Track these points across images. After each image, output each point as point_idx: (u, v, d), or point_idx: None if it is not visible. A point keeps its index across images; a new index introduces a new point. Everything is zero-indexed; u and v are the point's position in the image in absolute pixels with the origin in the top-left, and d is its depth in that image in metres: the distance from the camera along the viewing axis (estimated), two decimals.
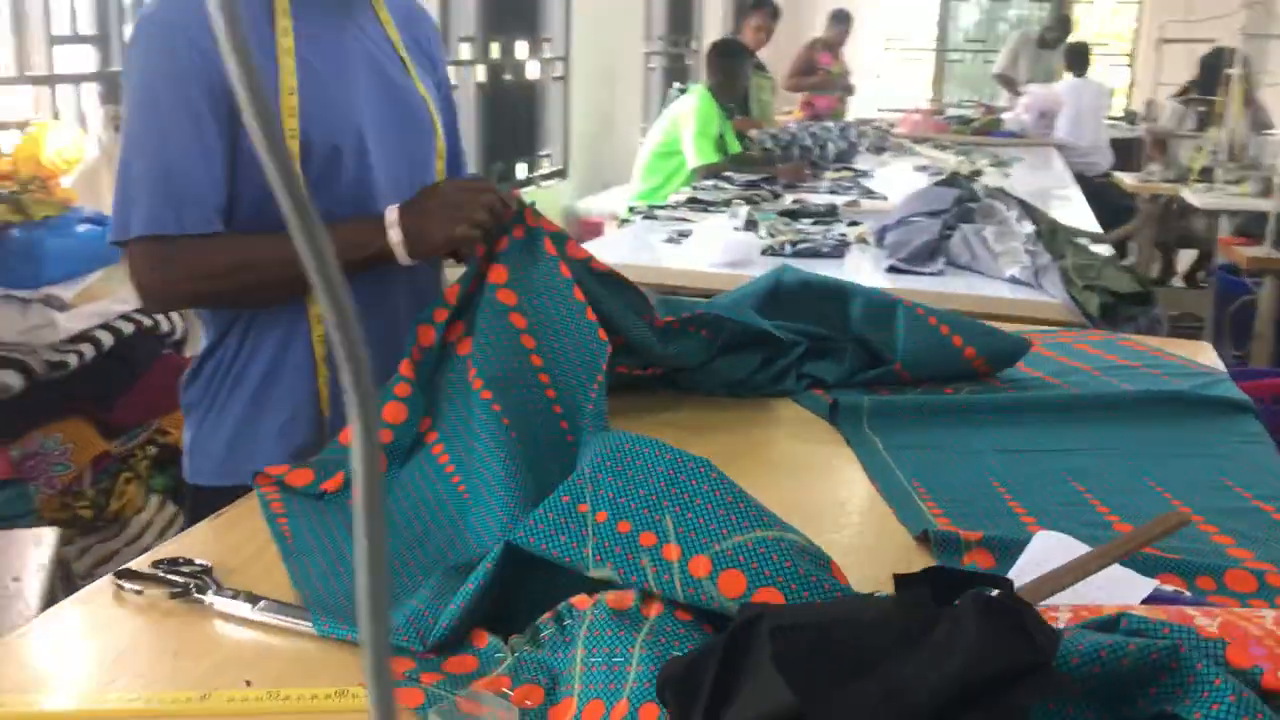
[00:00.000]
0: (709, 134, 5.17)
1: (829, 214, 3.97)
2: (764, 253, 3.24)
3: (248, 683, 0.89)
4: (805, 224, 3.78)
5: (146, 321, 2.59)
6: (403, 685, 0.88)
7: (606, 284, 1.46)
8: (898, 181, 4.92)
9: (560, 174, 7.03)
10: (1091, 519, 1.22)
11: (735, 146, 5.56)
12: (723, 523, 0.86)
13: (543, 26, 6.54)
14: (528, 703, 0.85)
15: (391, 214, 1.38)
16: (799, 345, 1.69)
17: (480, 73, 5.66)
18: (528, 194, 6.42)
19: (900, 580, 0.70)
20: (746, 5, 6.51)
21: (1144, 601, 0.96)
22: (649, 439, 0.95)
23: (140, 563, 1.04)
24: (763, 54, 6.62)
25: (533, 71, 6.46)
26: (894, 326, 1.67)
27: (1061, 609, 0.85)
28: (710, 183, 4.70)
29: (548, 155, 6.86)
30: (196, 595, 0.99)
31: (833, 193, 4.64)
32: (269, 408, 1.47)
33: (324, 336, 1.46)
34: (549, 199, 6.69)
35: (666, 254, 3.25)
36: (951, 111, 9.22)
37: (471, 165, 5.70)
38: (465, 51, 5.49)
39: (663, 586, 0.85)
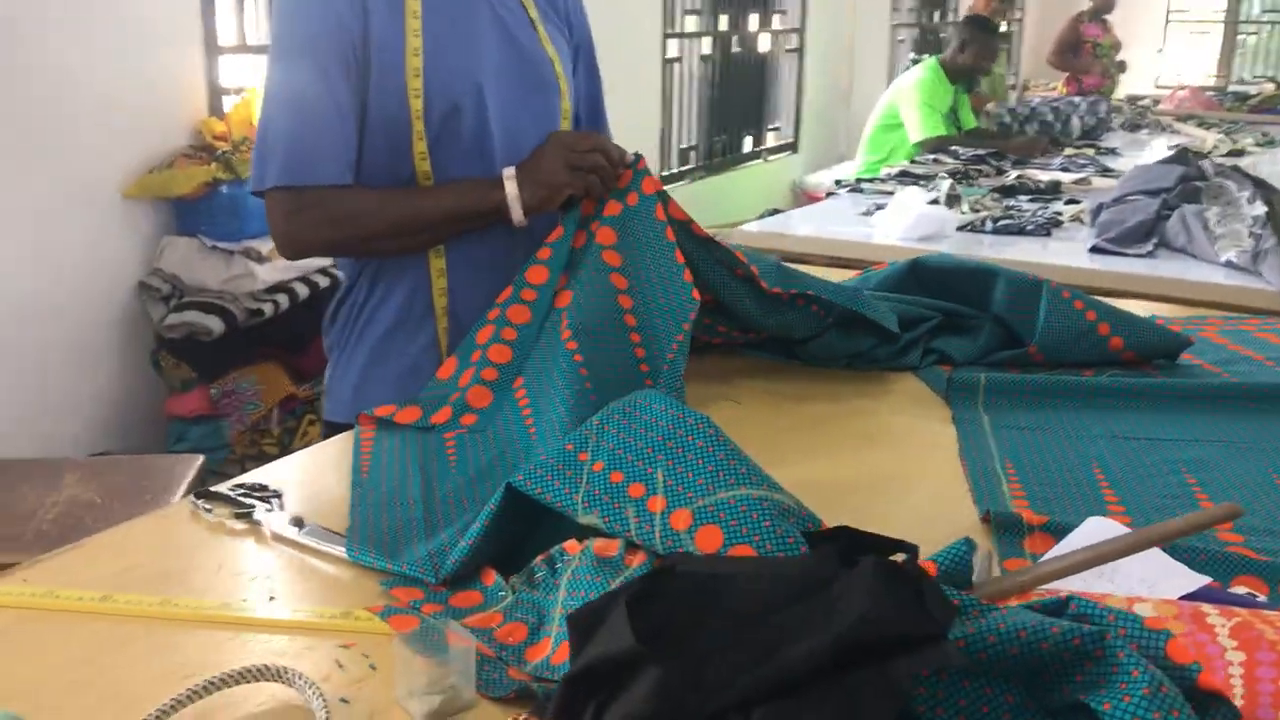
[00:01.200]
0: (935, 107, 4.99)
1: (1049, 191, 3.77)
2: (961, 228, 3.11)
3: (271, 598, 0.95)
4: (1021, 200, 3.60)
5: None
6: (403, 612, 0.91)
7: (704, 247, 1.45)
8: (1147, 160, 4.59)
9: (790, 147, 6.96)
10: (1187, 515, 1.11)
11: (970, 121, 5.34)
12: (710, 479, 0.85)
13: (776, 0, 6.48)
14: (510, 639, 0.87)
15: (508, 171, 1.43)
16: (929, 320, 1.62)
17: (706, 45, 5.67)
18: (755, 166, 6.42)
19: (810, 538, 0.67)
20: None
21: (1185, 597, 0.87)
22: (660, 395, 0.95)
23: (222, 486, 1.13)
24: (1029, 27, 6.31)
25: (764, 44, 6.41)
26: (1035, 308, 1.57)
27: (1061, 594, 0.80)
28: (931, 157, 4.55)
29: (776, 128, 6.80)
30: (255, 518, 1.06)
31: (1065, 170, 4.39)
32: (392, 354, 1.55)
33: (445, 289, 1.52)
34: (777, 171, 6.65)
35: (857, 227, 3.17)
36: (1234, 88, 8.51)
37: (693, 137, 5.76)
38: (691, 24, 5.51)
39: (644, 537, 0.84)
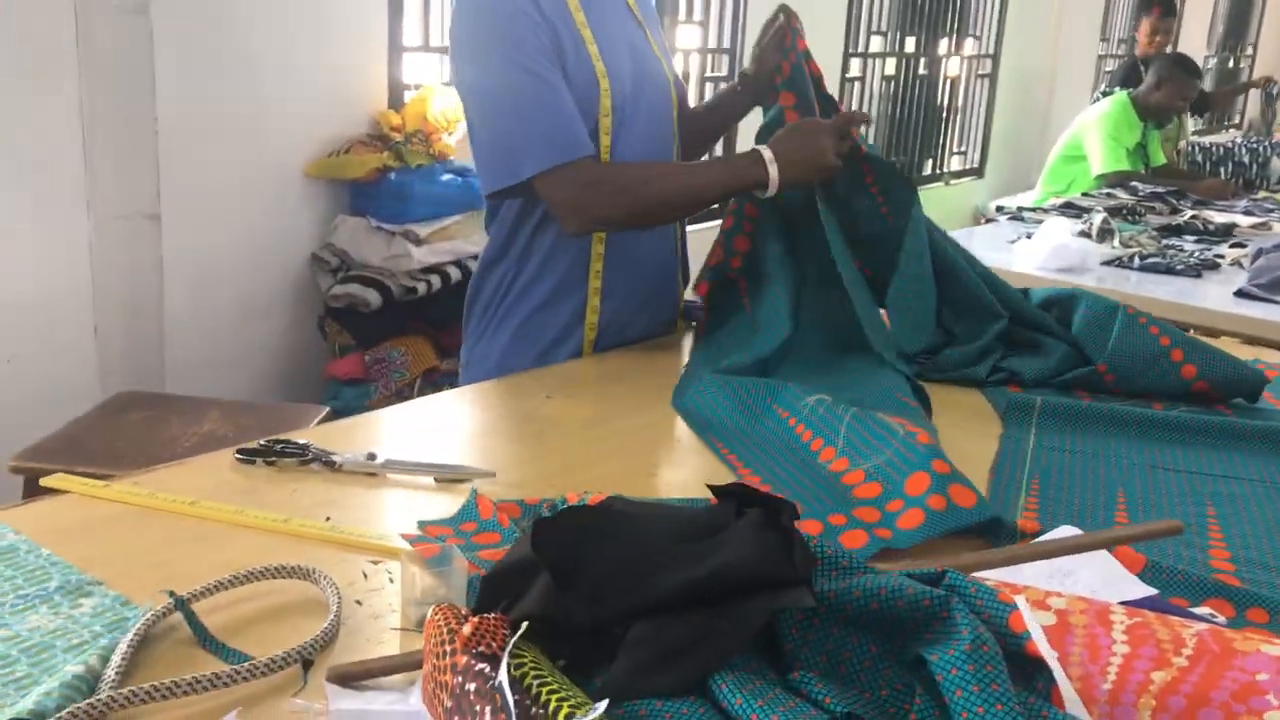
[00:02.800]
0: (1120, 141, 4.87)
1: (1219, 233, 3.65)
2: (1107, 263, 3.07)
3: (327, 518, 1.11)
4: (1186, 241, 3.51)
5: None
6: (429, 540, 1.06)
7: (827, 104, 1.76)
8: None
9: (975, 172, 6.88)
10: (1193, 542, 1.15)
11: (1159, 158, 5.18)
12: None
13: (971, 24, 6.41)
14: None
15: (767, 153, 1.57)
16: (997, 321, 1.67)
17: (890, 66, 5.69)
18: (934, 189, 6.38)
19: (715, 490, 0.77)
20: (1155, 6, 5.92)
21: (1128, 604, 0.93)
22: None
23: (259, 441, 1.28)
24: (1260, 66, 6.00)
25: (953, 68, 6.36)
26: (1110, 329, 1.61)
27: (991, 581, 0.87)
28: (1106, 191, 4.45)
29: (961, 152, 6.73)
30: (325, 461, 1.22)
31: (1247, 213, 4.22)
32: (542, 328, 1.68)
33: (600, 271, 1.67)
34: (959, 196, 6.58)
35: (999, 254, 3.17)
36: None
37: None
38: (875, 44, 5.54)
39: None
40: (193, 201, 2.69)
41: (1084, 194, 4.40)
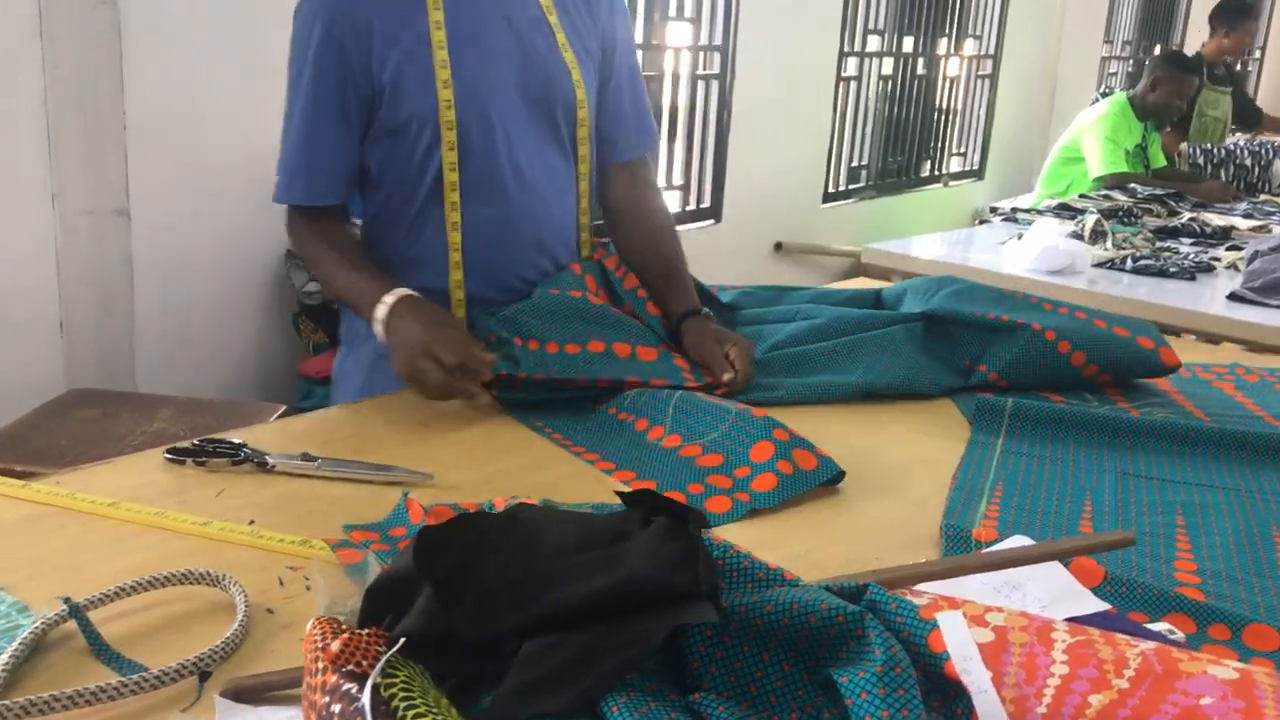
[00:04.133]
0: (1119, 143, 4.81)
1: (1216, 236, 3.60)
2: (1099, 265, 3.02)
3: (251, 521, 1.07)
4: (1183, 244, 3.46)
5: None
6: (353, 546, 1.01)
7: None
8: None
9: (976, 174, 6.81)
10: (1159, 554, 1.10)
11: (1159, 160, 5.12)
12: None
13: (971, 24, 6.35)
14: None
15: (381, 310, 1.40)
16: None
17: (887, 65, 5.63)
18: (933, 190, 6.32)
19: (624, 497, 0.73)
20: (1225, 9, 5.86)
21: (1075, 619, 0.88)
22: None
23: (188, 442, 1.23)
24: (1270, 66, 5.94)
25: (953, 69, 6.30)
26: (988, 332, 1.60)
27: (927, 595, 0.82)
28: (1102, 193, 4.39)
29: (961, 154, 6.67)
30: (257, 462, 1.18)
31: (1247, 216, 4.16)
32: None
33: (460, 282, 1.53)
34: (957, 198, 6.52)
35: (988, 255, 3.12)
36: None
37: (864, 156, 5.75)
38: (873, 43, 5.48)
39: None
40: (163, 197, 2.64)
41: (1080, 196, 4.34)
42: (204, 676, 0.81)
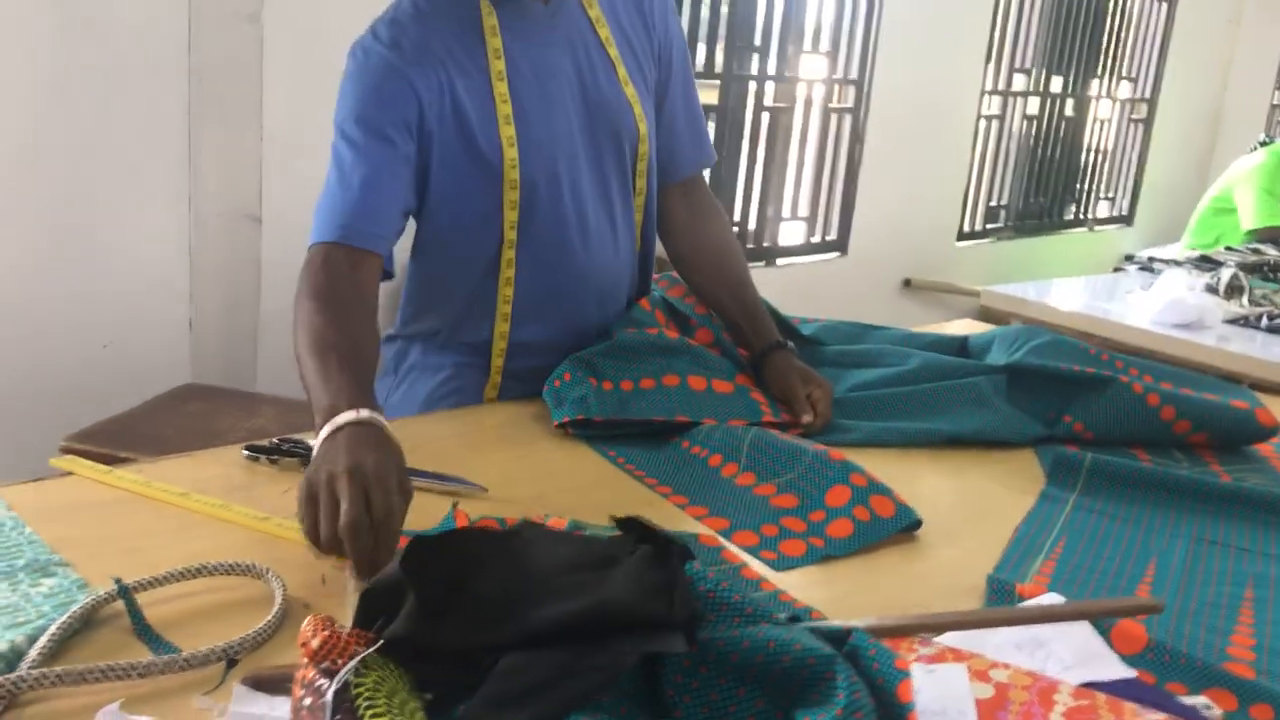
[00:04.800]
0: (1276, 194, 4.58)
1: None
2: (1231, 321, 2.89)
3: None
4: None
5: None
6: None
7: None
8: None
9: (1124, 220, 6.58)
10: (1216, 625, 1.06)
11: None
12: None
13: (1127, 64, 6.16)
14: None
15: (337, 421, 1.07)
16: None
17: (1032, 105, 5.50)
18: (1077, 234, 6.13)
19: (617, 524, 0.74)
20: None
21: (1098, 685, 0.86)
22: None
23: (262, 441, 1.28)
24: None
25: (1104, 111, 6.11)
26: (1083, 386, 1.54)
27: (936, 646, 0.81)
28: (1252, 246, 4.19)
29: (1109, 198, 6.46)
30: None
31: None
32: (453, 396, 1.54)
33: (503, 351, 1.52)
34: (1103, 242, 6.31)
35: (1113, 304, 3.02)
36: None
37: (1005, 195, 5.60)
38: (1019, 82, 5.37)
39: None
40: (294, 206, 2.76)
41: (1227, 248, 4.15)
42: (231, 663, 0.85)
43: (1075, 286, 3.34)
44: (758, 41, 4.00)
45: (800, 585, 1.07)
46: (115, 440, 1.89)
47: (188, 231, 2.56)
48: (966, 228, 5.34)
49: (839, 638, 0.69)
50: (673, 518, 1.20)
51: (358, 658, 0.61)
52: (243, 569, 0.97)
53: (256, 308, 2.68)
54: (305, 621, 0.71)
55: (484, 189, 1.42)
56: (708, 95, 3.93)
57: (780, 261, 4.30)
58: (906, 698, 0.64)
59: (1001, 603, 1.06)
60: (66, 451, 1.70)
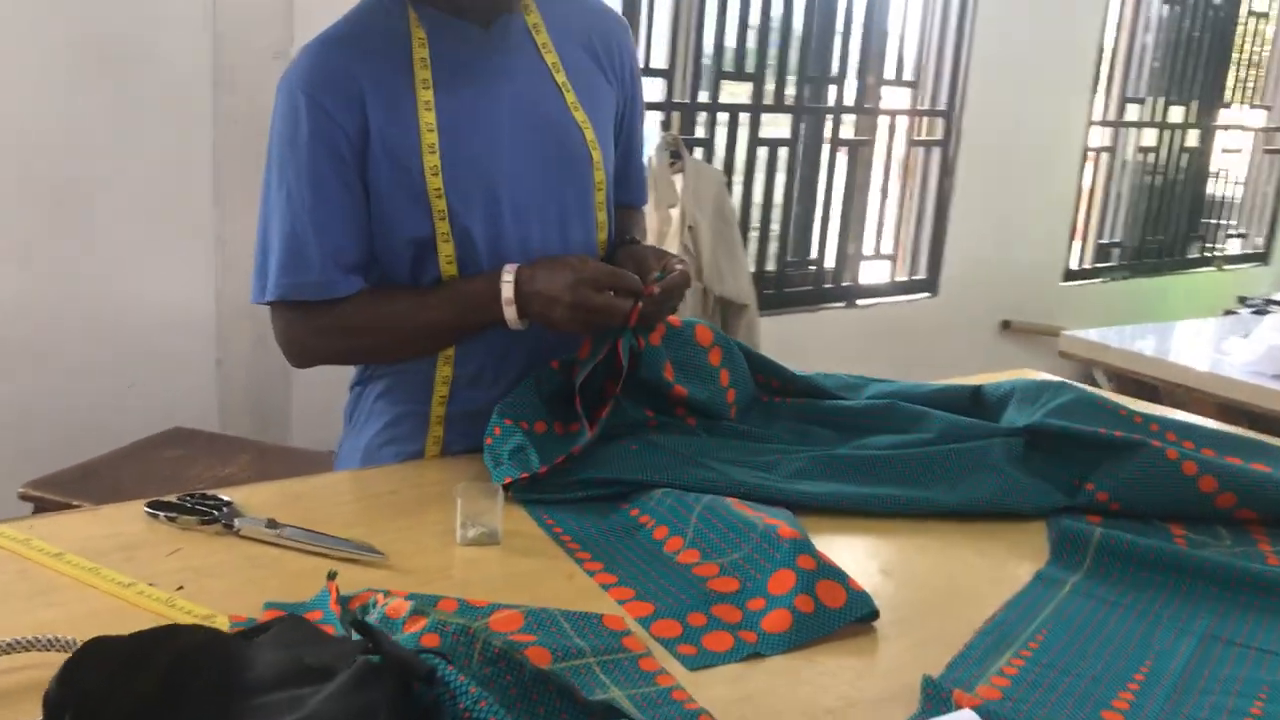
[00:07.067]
0: None
1: None
2: None
3: (179, 587, 1.03)
4: None
5: None
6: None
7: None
8: None
9: (1259, 257, 6.15)
10: None
11: None
12: None
13: (1262, 91, 5.77)
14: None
15: (508, 277, 1.31)
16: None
17: (1148, 136, 5.18)
18: (1203, 274, 5.74)
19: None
20: None
21: None
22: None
23: (173, 496, 1.20)
24: None
25: (1233, 141, 5.73)
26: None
27: None
28: None
29: (1241, 234, 6.04)
30: (225, 524, 1.15)
31: None
32: (390, 445, 1.47)
33: (444, 398, 1.43)
34: (1233, 283, 5.90)
35: (1207, 352, 2.76)
36: None
37: (1119, 232, 5.26)
38: (1131, 112, 5.07)
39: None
40: None
41: None
42: None
43: (1170, 331, 3.07)
44: (834, 72, 3.85)
45: (705, 682, 0.93)
46: (72, 487, 1.85)
47: (215, 269, 2.55)
48: (1074, 266, 5.05)
49: None
50: (589, 596, 1.07)
51: None
52: (61, 645, 0.88)
53: None
54: None
55: (414, 217, 1.35)
56: (778, 128, 3.79)
57: (862, 302, 4.11)
58: None
59: (936, 712, 0.90)
60: (24, 498, 1.66)
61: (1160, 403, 2.33)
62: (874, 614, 1.04)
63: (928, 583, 1.16)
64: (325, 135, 1.31)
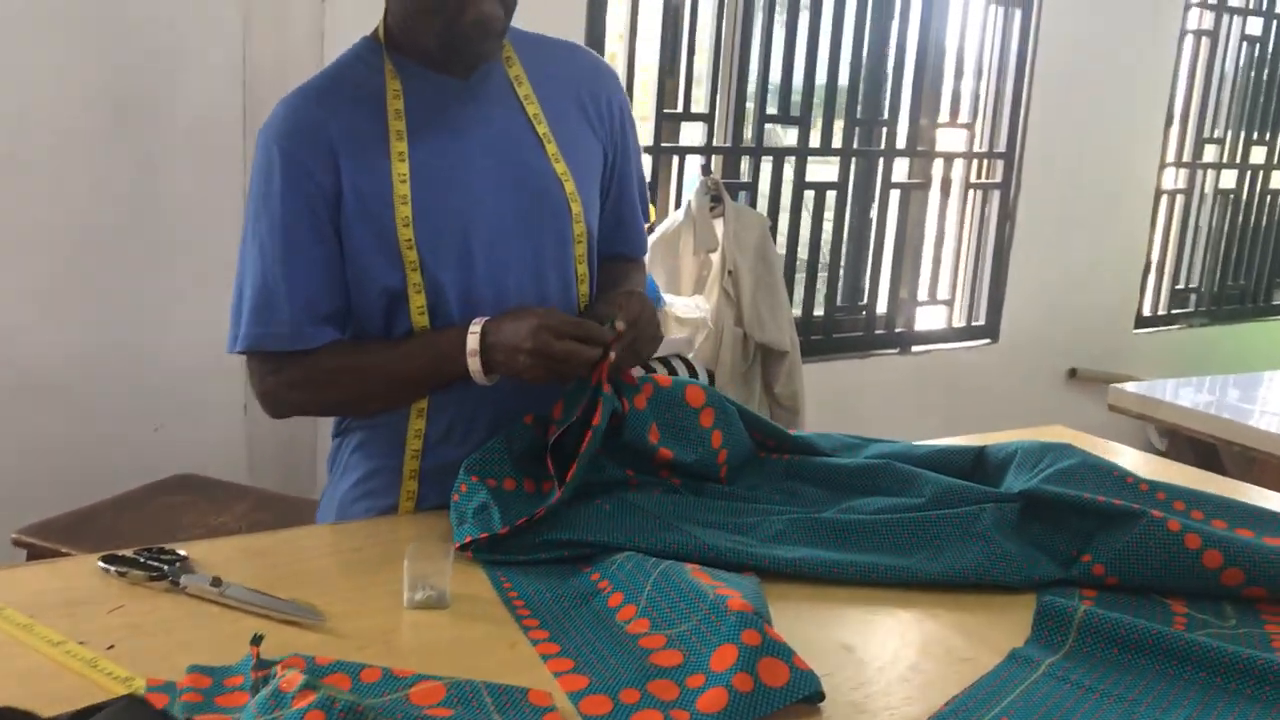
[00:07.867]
0: None
1: None
2: None
3: (110, 646, 1.02)
4: None
5: None
6: (158, 691, 0.93)
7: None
8: None
9: None
10: None
11: None
12: None
13: None
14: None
15: (474, 329, 1.31)
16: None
17: (1227, 178, 5.00)
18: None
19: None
20: None
21: None
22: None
23: (128, 550, 1.20)
24: None
25: None
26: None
27: None
28: None
29: None
30: (171, 580, 1.14)
31: None
32: (364, 499, 1.46)
33: (417, 452, 1.41)
34: None
35: (1244, 405, 2.62)
36: None
37: (1196, 278, 5.05)
38: (1209, 153, 4.89)
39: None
40: None
41: None
42: None
43: (1226, 384, 2.93)
44: (884, 115, 3.78)
45: None
46: (66, 533, 1.86)
47: None
48: (1147, 313, 4.88)
49: None
50: (527, 666, 1.04)
51: None
52: None
53: None
54: None
55: (385, 268, 1.35)
56: (825, 172, 3.73)
57: (917, 349, 4.00)
58: None
59: None
60: (17, 544, 1.68)
61: (1222, 470, 2.20)
62: (819, 695, 0.98)
63: (892, 659, 1.10)
64: (298, 187, 1.32)
